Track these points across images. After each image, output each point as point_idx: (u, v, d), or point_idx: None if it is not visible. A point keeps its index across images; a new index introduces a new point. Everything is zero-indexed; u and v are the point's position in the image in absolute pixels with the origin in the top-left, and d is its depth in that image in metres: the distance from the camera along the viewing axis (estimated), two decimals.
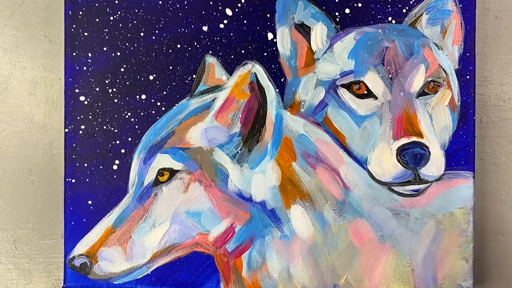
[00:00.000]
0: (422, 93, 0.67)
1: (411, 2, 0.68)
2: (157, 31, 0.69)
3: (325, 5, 0.68)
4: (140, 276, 0.69)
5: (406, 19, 0.68)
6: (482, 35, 0.72)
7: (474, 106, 0.68)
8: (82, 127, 0.70)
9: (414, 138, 0.64)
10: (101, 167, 0.70)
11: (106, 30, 0.70)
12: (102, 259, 0.67)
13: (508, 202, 0.73)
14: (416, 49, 0.67)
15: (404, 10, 0.68)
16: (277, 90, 0.68)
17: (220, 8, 0.69)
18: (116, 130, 0.70)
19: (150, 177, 0.68)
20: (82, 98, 0.70)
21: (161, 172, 0.67)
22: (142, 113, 0.69)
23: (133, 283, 0.69)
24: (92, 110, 0.70)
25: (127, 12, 0.70)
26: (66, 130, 0.70)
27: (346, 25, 0.68)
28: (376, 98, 0.67)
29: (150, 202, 0.68)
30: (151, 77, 0.69)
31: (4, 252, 0.78)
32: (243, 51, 0.69)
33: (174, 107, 0.69)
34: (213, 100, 0.68)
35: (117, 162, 0.70)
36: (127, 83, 0.70)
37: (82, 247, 0.68)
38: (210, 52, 0.69)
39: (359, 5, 0.68)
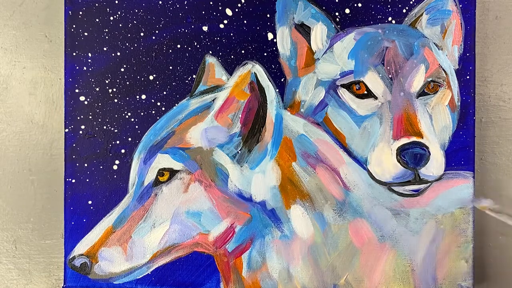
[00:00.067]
0: (422, 93, 0.67)
1: (411, 2, 0.68)
2: (157, 31, 0.69)
3: (325, 5, 0.68)
4: (140, 276, 0.69)
5: (406, 19, 0.68)
6: (482, 35, 0.72)
7: (474, 106, 0.68)
8: (82, 127, 0.70)
9: (414, 138, 0.64)
10: (101, 167, 0.70)
11: (106, 30, 0.70)
12: (102, 259, 0.67)
13: (508, 202, 0.73)
14: (416, 49, 0.67)
15: (404, 10, 0.68)
16: (277, 90, 0.68)
17: (220, 8, 0.69)
18: (116, 130, 0.70)
19: (150, 177, 0.68)
20: (82, 98, 0.70)
21: (161, 172, 0.67)
22: (142, 113, 0.69)
23: (133, 283, 0.69)
24: (92, 110, 0.70)
25: (127, 12, 0.70)
26: (66, 130, 0.70)
27: (346, 25, 0.68)
28: (376, 98, 0.67)
29: (150, 202, 0.68)
30: (151, 77, 0.69)
31: (4, 252, 0.78)
32: (243, 51, 0.69)
33: (174, 107, 0.69)
34: (213, 100, 0.68)
35: (117, 162, 0.70)
36: (127, 83, 0.70)
37: (82, 247, 0.68)
38: (210, 52, 0.69)
39: (359, 5, 0.68)
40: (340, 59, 0.67)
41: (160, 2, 0.69)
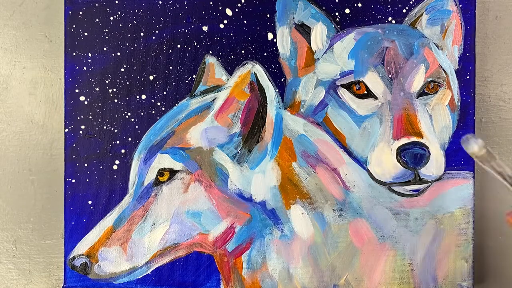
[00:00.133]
0: (422, 93, 0.67)
1: (411, 2, 0.68)
2: (157, 31, 0.69)
3: (325, 5, 0.68)
4: (140, 276, 0.69)
5: (406, 19, 0.68)
6: (482, 35, 0.72)
7: (474, 106, 0.68)
8: (82, 127, 0.70)
9: (414, 138, 0.64)
10: (101, 167, 0.70)
11: (106, 30, 0.70)
12: (102, 259, 0.67)
13: (508, 202, 0.73)
14: (416, 49, 0.67)
15: (404, 10, 0.68)
16: (277, 90, 0.68)
17: (220, 8, 0.69)
18: (116, 130, 0.70)
19: (150, 177, 0.68)
20: (82, 98, 0.70)
21: (161, 172, 0.67)
22: (142, 113, 0.69)
23: (133, 283, 0.69)
24: (92, 110, 0.70)
25: (127, 12, 0.70)
26: (66, 130, 0.70)
27: (346, 25, 0.68)
28: (376, 98, 0.67)
29: (150, 202, 0.68)
30: (151, 77, 0.69)
31: (4, 252, 0.78)
32: (243, 51, 0.69)
33: (174, 107, 0.69)
34: (213, 100, 0.68)
35: (117, 162, 0.70)
36: (127, 83, 0.70)
37: (82, 247, 0.68)
38: (210, 52, 0.69)
39: (359, 5, 0.68)
40: (340, 59, 0.67)
41: (160, 2, 0.69)
